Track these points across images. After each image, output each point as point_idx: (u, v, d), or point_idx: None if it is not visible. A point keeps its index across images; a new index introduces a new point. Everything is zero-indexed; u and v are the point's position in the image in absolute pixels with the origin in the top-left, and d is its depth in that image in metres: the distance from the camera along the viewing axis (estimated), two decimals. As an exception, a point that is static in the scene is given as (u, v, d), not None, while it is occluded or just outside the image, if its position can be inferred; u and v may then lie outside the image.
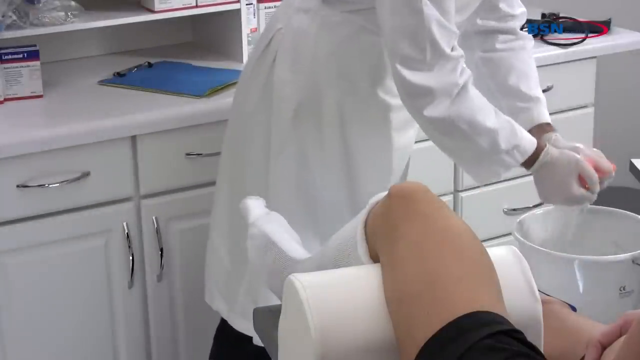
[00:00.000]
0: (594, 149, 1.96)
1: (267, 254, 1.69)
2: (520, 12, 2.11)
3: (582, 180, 1.87)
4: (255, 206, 1.83)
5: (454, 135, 1.85)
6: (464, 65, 1.82)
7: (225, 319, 2.18)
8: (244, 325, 2.15)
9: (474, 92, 1.83)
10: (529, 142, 1.88)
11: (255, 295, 2.08)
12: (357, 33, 1.91)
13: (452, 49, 1.80)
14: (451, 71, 1.79)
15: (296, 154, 2.00)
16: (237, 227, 2.12)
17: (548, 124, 2.01)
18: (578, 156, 1.89)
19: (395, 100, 1.93)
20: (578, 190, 1.86)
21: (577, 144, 1.94)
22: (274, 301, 2.02)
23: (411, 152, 2.17)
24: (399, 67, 1.79)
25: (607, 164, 1.90)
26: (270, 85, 1.99)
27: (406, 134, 2.06)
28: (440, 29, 1.77)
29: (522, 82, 2.02)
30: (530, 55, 2.08)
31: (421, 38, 1.76)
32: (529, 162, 1.90)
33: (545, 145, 1.90)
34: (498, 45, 2.05)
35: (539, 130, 1.98)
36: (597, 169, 1.88)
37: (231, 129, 2.12)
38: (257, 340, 2.10)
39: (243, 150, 2.08)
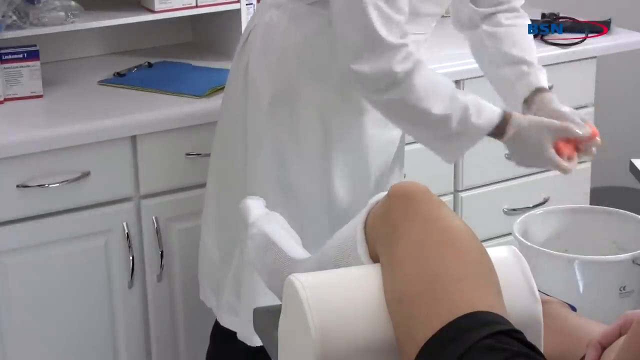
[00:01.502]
0: (581, 116, 1.94)
1: (267, 254, 1.69)
2: None
3: (564, 146, 1.87)
4: (255, 206, 1.83)
5: (404, 120, 1.90)
6: (412, 52, 1.83)
7: (215, 314, 2.20)
8: (229, 320, 2.16)
9: (420, 80, 1.84)
10: (489, 119, 1.87)
11: (239, 291, 2.10)
12: (324, 26, 1.92)
13: (396, 36, 1.81)
14: (391, 59, 1.80)
15: (273, 147, 2.01)
16: (225, 224, 2.13)
17: (545, 88, 2.02)
18: (554, 123, 1.87)
19: None
20: (552, 155, 1.85)
21: (564, 109, 1.93)
22: (258, 297, 2.04)
23: (398, 148, 2.15)
24: (342, 53, 1.84)
25: (586, 131, 1.89)
26: (247, 81, 2.03)
27: (385, 128, 2.04)
28: (380, 16, 1.79)
29: (526, 52, 2.05)
30: (527, 31, 2.13)
31: (360, 25, 1.79)
32: (499, 134, 1.89)
33: (511, 117, 1.89)
34: (503, 21, 2.09)
35: (536, 92, 2.00)
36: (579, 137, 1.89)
37: (218, 127, 2.15)
38: (242, 336, 2.11)
39: (226, 147, 2.12)
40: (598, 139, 1.88)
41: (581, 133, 1.85)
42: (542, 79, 2.02)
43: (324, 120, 1.99)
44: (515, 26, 2.09)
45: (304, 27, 1.95)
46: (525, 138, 1.86)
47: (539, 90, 1.99)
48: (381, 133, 2.05)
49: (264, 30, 1.99)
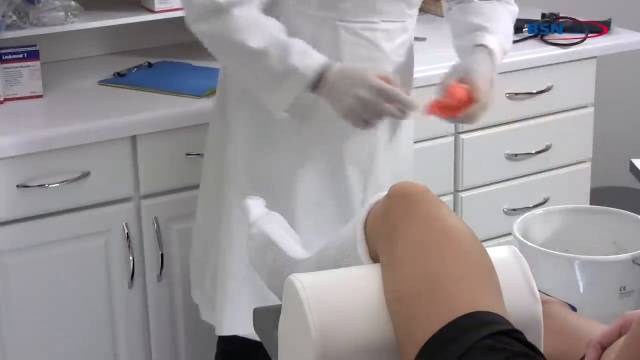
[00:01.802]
0: (484, 80, 1.89)
1: (267, 254, 1.69)
2: None
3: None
4: (255, 206, 1.83)
5: (222, 53, 1.93)
6: None
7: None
8: (209, 314, 2.19)
9: (241, 13, 1.84)
10: (310, 64, 1.85)
11: (216, 284, 2.12)
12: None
13: None
14: None
15: (246, 139, 2.03)
16: (208, 218, 2.13)
17: (485, 46, 1.96)
18: (367, 70, 1.85)
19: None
20: (374, 81, 1.82)
21: (477, 71, 1.89)
22: (237, 291, 2.07)
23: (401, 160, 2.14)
24: None
25: (472, 93, 1.86)
26: (224, 75, 2.09)
27: (363, 133, 1.99)
28: None
29: (489, 22, 2.00)
30: (507, 14, 2.06)
31: None
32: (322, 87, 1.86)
33: (332, 66, 1.85)
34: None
35: (476, 49, 1.96)
36: (465, 96, 1.86)
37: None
38: (219, 330, 2.13)
39: (207, 143, 2.17)
40: (486, 102, 1.86)
41: (407, 101, 1.83)
42: (490, 39, 1.96)
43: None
44: (490, 2, 2.04)
45: None
46: (346, 76, 1.84)
47: (479, 46, 1.96)
48: (361, 138, 2.02)
49: None
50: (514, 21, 2.08)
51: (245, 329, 2.11)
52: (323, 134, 2.01)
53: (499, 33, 1.98)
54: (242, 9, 1.85)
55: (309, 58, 1.86)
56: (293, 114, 1.93)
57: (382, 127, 2.02)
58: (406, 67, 2.06)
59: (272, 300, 2.03)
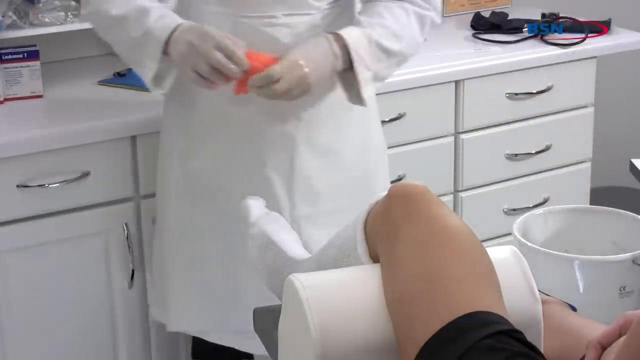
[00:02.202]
0: (294, 55, 1.81)
1: (267, 254, 1.69)
2: None
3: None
4: (255, 206, 1.83)
5: (100, 31, 1.95)
6: None
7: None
8: (156, 310, 2.22)
9: None
10: (166, 25, 1.83)
11: (163, 282, 2.14)
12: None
13: None
14: None
15: (175, 137, 2.05)
16: (161, 217, 2.14)
17: (340, 35, 1.85)
18: (214, 30, 1.80)
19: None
20: (208, 28, 1.80)
21: (294, 47, 1.83)
22: (181, 288, 2.09)
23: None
24: None
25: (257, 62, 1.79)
26: None
27: (280, 122, 1.96)
28: None
29: (367, 17, 1.91)
30: (406, 15, 1.94)
31: None
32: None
33: (180, 27, 1.84)
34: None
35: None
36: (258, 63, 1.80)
37: None
38: (170, 327, 2.16)
39: None
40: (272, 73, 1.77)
41: (235, 54, 1.78)
42: (350, 30, 1.86)
43: (222, 115, 1.97)
44: (388, 2, 1.94)
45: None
46: (190, 30, 1.82)
47: (331, 34, 1.87)
48: (277, 129, 1.96)
49: None
50: (424, 24, 1.96)
51: (192, 326, 2.13)
52: (243, 137, 1.97)
53: (371, 26, 1.88)
54: None
55: (166, 20, 1.84)
56: (175, 92, 1.93)
57: (298, 131, 1.96)
58: None
59: (217, 298, 2.05)
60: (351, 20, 1.95)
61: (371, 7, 1.93)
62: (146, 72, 1.89)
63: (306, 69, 1.79)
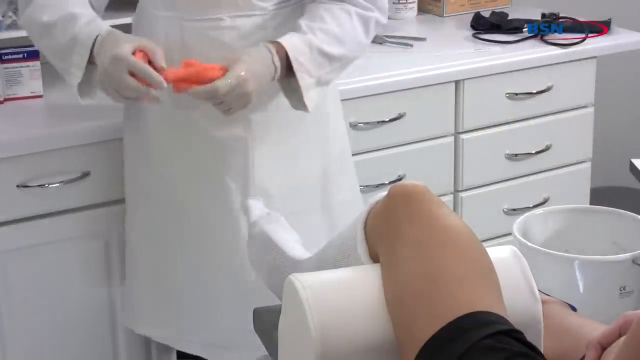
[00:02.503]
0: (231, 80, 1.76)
1: (267, 254, 1.69)
2: None
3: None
4: (256, 206, 1.84)
5: (34, 39, 1.93)
6: None
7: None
8: (125, 314, 2.23)
9: None
10: (92, 31, 1.81)
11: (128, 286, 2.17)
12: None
13: None
14: None
15: (130, 145, 2.09)
16: (128, 222, 2.15)
17: (278, 42, 1.83)
18: (124, 39, 1.79)
19: None
20: (120, 50, 1.75)
21: (239, 59, 1.78)
22: (142, 293, 2.11)
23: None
24: None
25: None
26: None
27: (229, 127, 1.94)
28: None
29: (308, 21, 1.87)
30: (348, 17, 1.90)
31: None
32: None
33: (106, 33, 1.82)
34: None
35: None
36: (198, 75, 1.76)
37: None
38: (138, 331, 2.18)
39: None
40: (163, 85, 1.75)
41: (160, 61, 1.76)
42: (289, 37, 1.83)
43: (171, 119, 1.96)
44: (329, 4, 1.90)
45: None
46: (109, 41, 1.79)
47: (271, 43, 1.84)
48: (225, 133, 1.95)
49: None
50: (368, 26, 1.93)
51: (156, 332, 2.16)
52: (194, 141, 1.96)
53: (312, 32, 1.85)
54: None
55: (92, 26, 1.82)
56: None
57: (249, 134, 1.94)
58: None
59: (183, 307, 2.05)
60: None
61: (313, 10, 1.90)
62: (73, 80, 1.86)
63: (250, 87, 1.77)
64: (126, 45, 1.76)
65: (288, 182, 2.00)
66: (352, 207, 2.10)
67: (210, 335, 2.07)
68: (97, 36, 1.81)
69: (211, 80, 1.75)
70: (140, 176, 2.06)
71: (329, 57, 1.86)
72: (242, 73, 1.76)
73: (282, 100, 1.90)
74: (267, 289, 1.86)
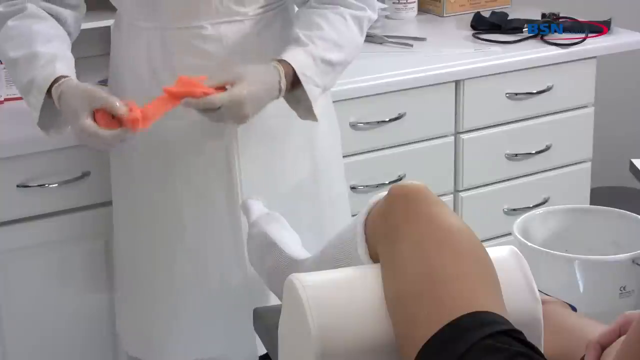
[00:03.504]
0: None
1: (267, 254, 1.69)
2: None
3: (101, 117, 1.72)
4: (255, 206, 1.84)
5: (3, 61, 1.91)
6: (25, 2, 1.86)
7: None
8: (117, 322, 2.21)
9: (14, 24, 1.85)
10: (49, 73, 1.79)
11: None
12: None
13: None
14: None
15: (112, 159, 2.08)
16: (115, 229, 2.15)
17: (284, 61, 1.79)
18: (96, 93, 1.74)
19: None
20: (85, 123, 1.71)
21: (243, 78, 1.73)
22: (123, 306, 2.12)
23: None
24: None
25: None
26: None
27: (219, 137, 1.92)
28: None
29: (304, 30, 1.84)
30: (342, 21, 1.87)
31: None
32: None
33: (59, 81, 1.79)
34: (312, 3, 1.90)
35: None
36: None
37: None
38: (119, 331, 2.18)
39: None
40: (137, 128, 1.71)
41: (120, 113, 1.70)
42: (293, 53, 1.80)
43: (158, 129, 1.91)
44: (323, 8, 1.87)
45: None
46: (66, 101, 1.76)
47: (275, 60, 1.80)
48: (210, 142, 1.92)
49: None
50: (362, 26, 1.91)
51: (131, 348, 2.16)
52: (180, 151, 1.93)
53: (312, 42, 1.82)
54: (18, 20, 1.85)
55: (48, 68, 1.79)
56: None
57: (237, 143, 1.91)
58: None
59: (156, 323, 2.04)
60: (285, 28, 1.91)
61: (307, 17, 1.88)
62: (34, 116, 1.84)
63: (247, 110, 1.73)
64: (84, 116, 1.72)
65: (276, 189, 1.98)
66: (341, 203, 2.10)
67: (185, 354, 2.06)
68: (53, 80, 1.79)
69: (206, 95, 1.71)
70: (124, 185, 2.05)
71: (332, 64, 1.85)
72: (244, 93, 1.72)
73: (269, 108, 1.85)
74: (250, 305, 1.88)
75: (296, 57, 1.79)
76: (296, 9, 1.99)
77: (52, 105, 1.81)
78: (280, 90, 1.77)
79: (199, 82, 1.72)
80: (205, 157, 1.92)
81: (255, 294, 1.96)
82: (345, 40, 1.87)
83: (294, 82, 1.79)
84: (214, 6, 1.83)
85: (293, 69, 1.78)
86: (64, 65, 1.83)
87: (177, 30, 1.85)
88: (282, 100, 1.84)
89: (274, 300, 1.86)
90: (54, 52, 1.83)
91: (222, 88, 1.73)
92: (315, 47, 1.82)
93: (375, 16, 1.94)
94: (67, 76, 1.80)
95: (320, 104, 1.85)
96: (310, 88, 1.80)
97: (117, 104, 1.71)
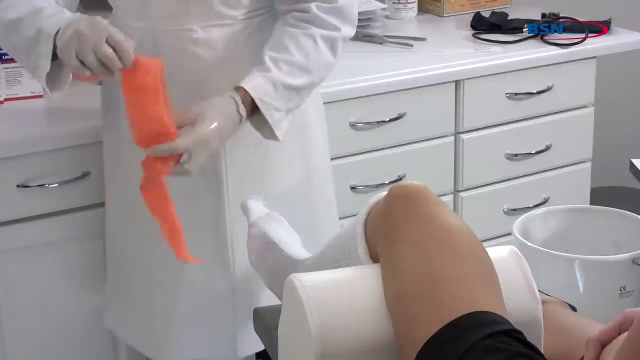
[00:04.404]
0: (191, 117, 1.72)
1: (267, 254, 1.69)
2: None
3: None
4: (255, 206, 1.83)
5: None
6: None
7: None
8: (105, 316, 2.21)
9: None
10: (59, 20, 1.77)
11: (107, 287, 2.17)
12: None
13: None
14: None
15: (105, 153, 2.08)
16: (107, 219, 2.14)
17: (241, 87, 1.78)
18: (104, 21, 1.74)
19: None
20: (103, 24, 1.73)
21: (204, 116, 1.72)
22: (112, 293, 2.12)
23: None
24: None
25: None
26: None
27: None
28: None
29: (271, 51, 1.83)
30: (316, 46, 1.85)
31: None
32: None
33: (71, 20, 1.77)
34: (289, 20, 1.87)
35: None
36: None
37: None
38: (106, 324, 2.19)
39: None
40: None
41: (123, 49, 1.70)
42: (253, 81, 1.78)
43: None
44: (289, 29, 1.85)
45: None
46: (79, 23, 1.73)
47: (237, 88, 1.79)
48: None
49: None
50: (334, 46, 1.87)
51: (123, 333, 2.16)
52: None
53: (277, 65, 1.80)
54: None
55: (57, 17, 1.79)
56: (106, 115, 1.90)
57: (225, 151, 1.91)
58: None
59: (145, 314, 2.05)
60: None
61: (277, 38, 1.85)
62: (41, 71, 1.81)
63: (213, 146, 1.73)
64: (107, 24, 1.73)
65: (268, 193, 1.96)
66: (332, 207, 2.11)
67: (173, 343, 2.06)
68: (64, 22, 1.77)
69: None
70: (116, 181, 2.05)
71: (296, 89, 1.83)
72: (206, 133, 1.71)
73: None
74: (232, 308, 1.87)
75: (254, 84, 1.77)
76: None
77: (57, 60, 1.79)
78: (240, 117, 1.77)
79: (155, 64, 1.71)
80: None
81: (239, 298, 1.98)
82: (314, 63, 1.85)
83: (255, 108, 1.79)
84: (203, 9, 1.83)
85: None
86: (70, 13, 1.82)
87: (168, 32, 1.85)
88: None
89: (257, 304, 1.88)
90: (57, 6, 1.83)
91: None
92: (279, 71, 1.80)
93: (352, 32, 1.92)
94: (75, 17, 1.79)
95: (284, 126, 1.83)
96: (270, 113, 1.79)
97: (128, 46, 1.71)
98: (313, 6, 1.85)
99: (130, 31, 1.86)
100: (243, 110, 1.77)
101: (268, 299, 1.85)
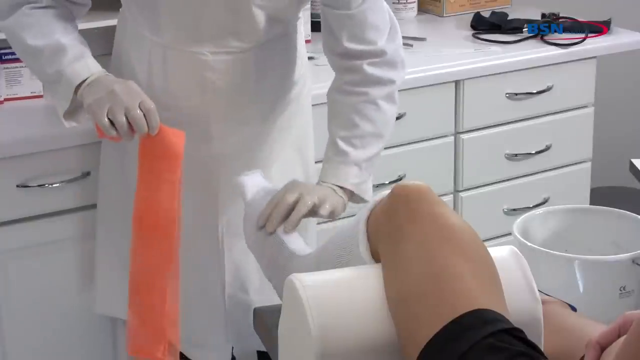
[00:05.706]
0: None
1: (267, 243, 1.68)
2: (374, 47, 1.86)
3: None
4: (250, 183, 1.80)
5: (15, 50, 1.92)
6: None
7: None
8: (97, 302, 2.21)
9: (31, 12, 1.84)
10: (82, 70, 1.80)
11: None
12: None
13: None
14: None
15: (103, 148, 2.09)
16: (100, 200, 2.15)
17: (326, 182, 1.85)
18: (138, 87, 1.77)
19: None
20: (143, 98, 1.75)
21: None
22: (106, 275, 2.12)
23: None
24: None
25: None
26: None
27: (207, 143, 1.92)
28: None
29: (349, 136, 1.87)
30: (379, 110, 1.88)
31: None
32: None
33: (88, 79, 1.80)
34: (345, 87, 1.89)
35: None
36: None
37: None
38: (96, 309, 2.19)
39: None
40: None
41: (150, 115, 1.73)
42: (344, 176, 1.85)
43: None
44: (348, 99, 1.87)
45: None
46: (99, 82, 1.78)
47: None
48: (203, 148, 1.91)
49: None
50: (393, 99, 1.91)
51: (113, 311, 2.16)
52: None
53: (353, 147, 1.85)
54: (34, 10, 1.84)
55: (80, 63, 1.81)
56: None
57: (221, 153, 1.92)
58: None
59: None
60: (286, 55, 1.92)
61: (340, 113, 1.87)
62: (60, 111, 1.86)
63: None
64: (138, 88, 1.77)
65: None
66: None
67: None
68: (86, 78, 1.80)
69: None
70: (117, 183, 2.04)
71: (375, 156, 1.89)
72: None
73: (258, 121, 1.90)
74: (241, 291, 1.87)
75: (348, 177, 1.84)
76: (301, 43, 1.97)
77: (75, 98, 1.82)
78: (344, 204, 1.84)
79: (177, 135, 1.76)
80: (188, 162, 1.88)
81: (232, 300, 1.98)
82: (382, 126, 1.89)
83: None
84: (218, 42, 1.83)
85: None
86: (94, 63, 1.84)
87: (177, 51, 1.85)
88: (271, 113, 1.91)
89: (250, 304, 1.88)
90: (78, 44, 1.84)
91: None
92: (354, 149, 1.85)
93: (404, 74, 1.94)
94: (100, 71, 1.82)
95: (370, 186, 1.91)
96: (364, 189, 1.88)
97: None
98: (365, 65, 1.85)
99: (142, 40, 1.88)
100: (346, 198, 1.84)
101: (260, 300, 1.88)
